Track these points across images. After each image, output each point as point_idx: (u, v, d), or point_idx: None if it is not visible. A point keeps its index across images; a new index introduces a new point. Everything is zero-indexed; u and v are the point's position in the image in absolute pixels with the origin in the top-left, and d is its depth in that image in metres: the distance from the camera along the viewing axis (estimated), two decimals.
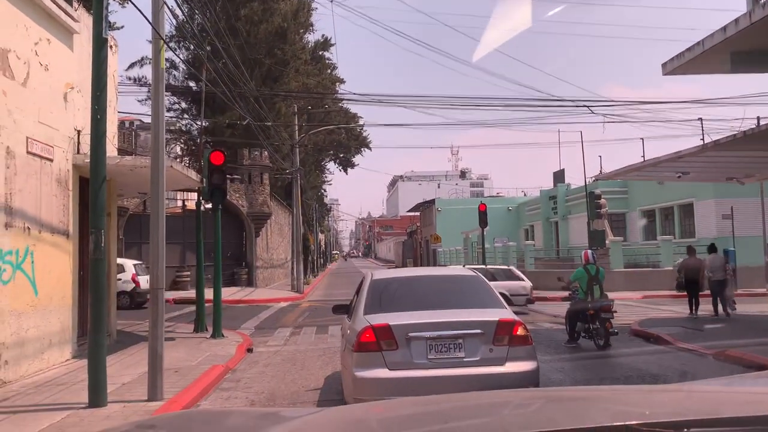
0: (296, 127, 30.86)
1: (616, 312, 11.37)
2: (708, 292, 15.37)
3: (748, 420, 1.32)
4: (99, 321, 7.04)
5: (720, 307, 15.25)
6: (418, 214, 63.08)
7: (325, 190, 63.48)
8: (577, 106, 22.03)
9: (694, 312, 15.20)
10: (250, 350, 11.63)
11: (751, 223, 23.44)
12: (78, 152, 10.41)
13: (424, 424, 1.67)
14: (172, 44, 30.42)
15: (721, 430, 1.26)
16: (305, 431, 1.60)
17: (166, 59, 29.59)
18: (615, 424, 1.28)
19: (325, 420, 1.92)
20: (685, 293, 15.51)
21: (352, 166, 50.59)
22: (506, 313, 6.19)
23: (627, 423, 1.26)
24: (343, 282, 36.99)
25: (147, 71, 30.89)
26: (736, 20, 11.01)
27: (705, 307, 15.46)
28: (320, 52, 42.88)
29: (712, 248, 15.79)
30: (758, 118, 20.03)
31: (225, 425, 1.90)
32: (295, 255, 29.96)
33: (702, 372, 8.98)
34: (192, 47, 30.69)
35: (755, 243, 22.70)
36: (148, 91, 24.15)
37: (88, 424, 6.32)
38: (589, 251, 12.22)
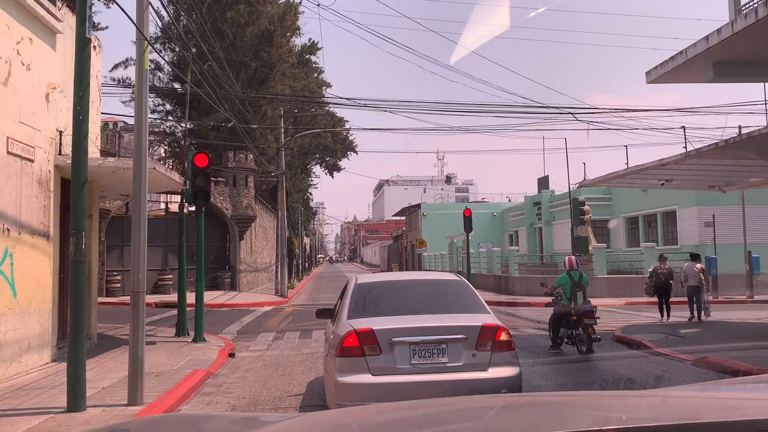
0: (282, 130, 30.76)
1: (599, 318, 11.43)
2: (681, 297, 16.26)
3: (722, 425, 1.33)
4: (79, 324, 6.95)
5: (696, 313, 15.85)
6: (403, 218, 63.11)
7: (310, 194, 63.39)
8: (561, 113, 22.18)
9: (665, 317, 15.82)
10: (232, 355, 11.54)
11: (732, 231, 23.73)
12: (60, 153, 10.29)
13: (406, 429, 1.65)
14: (157, 46, 30.25)
15: None
16: None
17: (151, 61, 29.44)
18: (592, 429, 1.28)
19: (304, 424, 1.90)
20: (655, 299, 16.25)
21: (339, 169, 50.59)
22: (489, 318, 6.19)
23: (603, 428, 1.26)
24: (328, 286, 36.89)
25: (131, 72, 30.72)
26: (719, 30, 11.15)
27: (679, 314, 16.04)
28: (307, 56, 42.86)
29: (692, 256, 16.56)
30: (740, 127, 20.28)
31: (201, 430, 1.87)
32: (279, 259, 29.83)
33: (682, 378, 9.04)
34: (177, 49, 30.53)
35: (737, 251, 22.98)
36: (132, 93, 24.02)
37: (66, 428, 6.23)
38: (573, 257, 12.29)
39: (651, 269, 17.07)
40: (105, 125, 29.20)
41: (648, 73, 13.74)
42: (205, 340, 12.70)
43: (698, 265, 16.10)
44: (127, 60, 31.27)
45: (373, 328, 5.87)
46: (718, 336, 13.05)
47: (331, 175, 51.24)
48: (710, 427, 1.32)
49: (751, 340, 12.67)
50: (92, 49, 8.30)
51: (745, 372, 8.56)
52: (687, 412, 1.62)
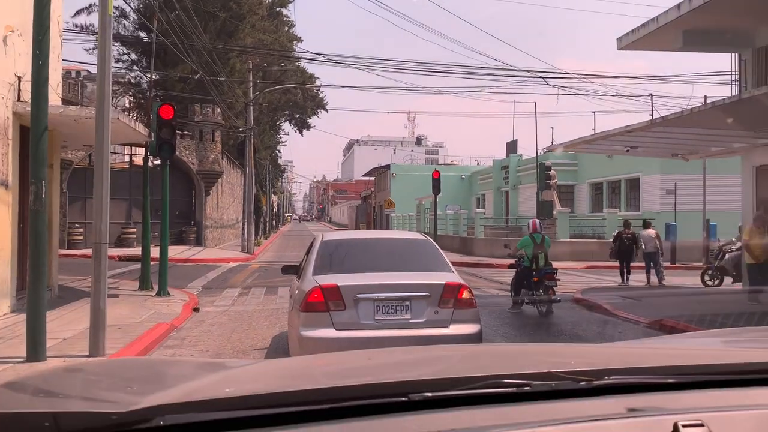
0: (250, 85, 30.19)
1: (559, 280, 11.71)
2: (641, 262, 16.74)
3: (662, 369, 1.42)
4: (39, 274, 6.85)
5: (654, 278, 16.38)
6: (373, 179, 63.03)
7: (279, 151, 62.57)
8: (532, 77, 22.22)
9: (625, 281, 16.38)
10: (196, 309, 11.53)
11: (692, 199, 24.31)
12: (19, 99, 9.96)
13: (368, 374, 1.69)
14: None
15: (637, 377, 1.35)
16: (240, 378, 1.60)
17: (116, 7, 28.40)
18: (544, 371, 1.34)
19: (266, 368, 1.92)
20: (617, 263, 16.81)
21: (308, 127, 49.96)
22: (453, 277, 6.30)
23: (554, 371, 1.32)
24: (295, 244, 36.85)
25: (95, 19, 29.67)
26: None
27: (639, 277, 16.57)
28: (277, 9, 41.81)
29: (645, 224, 17.23)
30: (705, 97, 20.62)
31: (158, 371, 1.87)
32: (246, 215, 29.64)
33: (636, 338, 9.35)
34: None
35: (696, 218, 23.57)
36: (96, 40, 23.22)
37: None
38: (537, 220, 12.48)
39: (615, 233, 17.51)
40: (67, 73, 28.31)
41: (619, 40, 13.82)
42: (169, 294, 12.65)
43: (653, 232, 16.66)
44: (90, 6, 30.10)
45: (338, 284, 5.93)
46: (672, 299, 13.51)
47: (301, 132, 50.69)
48: (655, 371, 1.39)
49: (703, 303, 13.15)
50: None
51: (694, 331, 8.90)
52: (635, 358, 1.71)
